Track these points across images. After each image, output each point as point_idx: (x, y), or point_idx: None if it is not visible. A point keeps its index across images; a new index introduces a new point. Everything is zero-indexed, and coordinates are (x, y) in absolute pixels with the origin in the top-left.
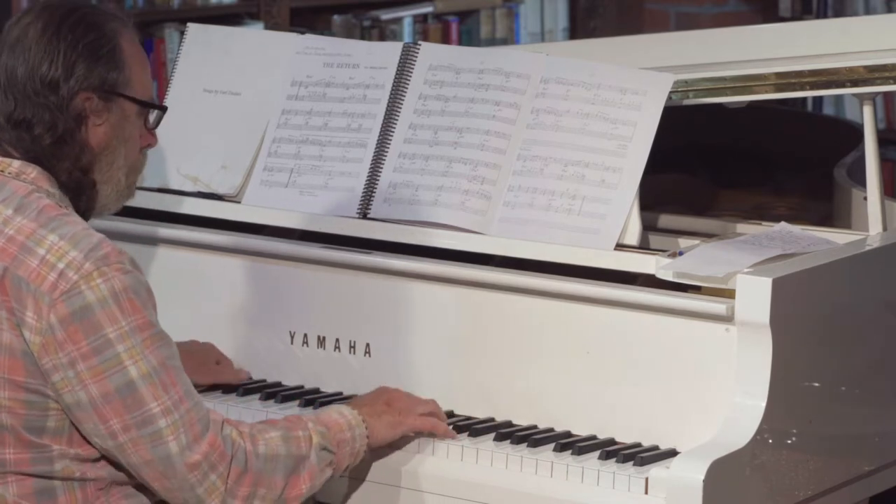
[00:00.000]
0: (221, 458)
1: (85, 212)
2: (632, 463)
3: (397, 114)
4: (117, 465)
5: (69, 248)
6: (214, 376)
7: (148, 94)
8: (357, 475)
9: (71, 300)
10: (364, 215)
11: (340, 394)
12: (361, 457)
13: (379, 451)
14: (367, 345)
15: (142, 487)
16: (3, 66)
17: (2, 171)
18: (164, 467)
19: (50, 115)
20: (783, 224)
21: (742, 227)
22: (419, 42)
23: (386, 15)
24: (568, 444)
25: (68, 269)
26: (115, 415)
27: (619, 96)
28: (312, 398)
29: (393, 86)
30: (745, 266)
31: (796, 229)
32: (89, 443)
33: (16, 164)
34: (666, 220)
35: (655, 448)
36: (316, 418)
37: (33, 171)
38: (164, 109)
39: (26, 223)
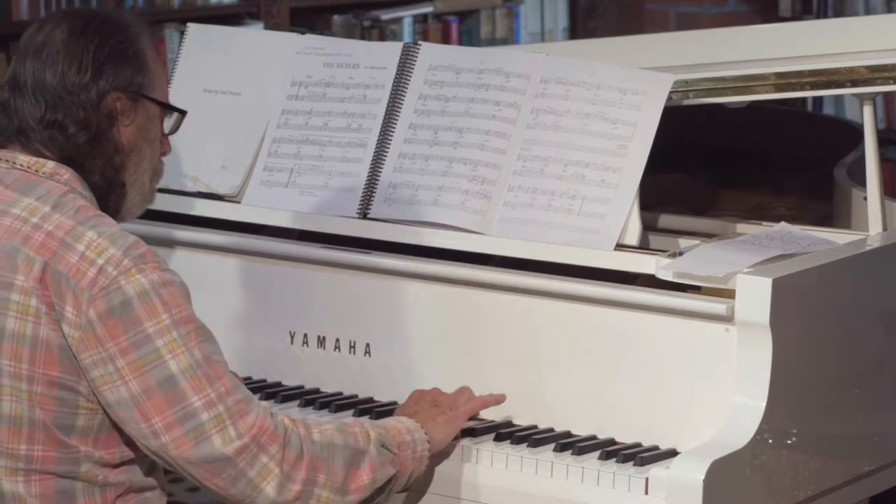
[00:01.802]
0: (272, 440)
1: (113, 214)
2: (632, 463)
3: (397, 114)
4: (138, 470)
5: (108, 245)
6: None
7: (167, 99)
8: None
9: (110, 296)
10: (364, 215)
11: (340, 394)
12: (426, 463)
13: None
14: (367, 345)
15: (157, 493)
16: (29, 71)
17: (36, 171)
18: (212, 463)
19: (84, 114)
20: (783, 224)
21: (742, 227)
22: (419, 42)
23: (386, 15)
24: (568, 444)
25: (107, 264)
26: (156, 411)
27: (619, 96)
28: (312, 398)
29: (393, 86)
30: (745, 266)
31: (796, 229)
32: (123, 444)
33: (50, 165)
34: (666, 220)
35: (655, 448)
36: (372, 421)
37: (66, 173)
38: (183, 113)
39: (65, 220)
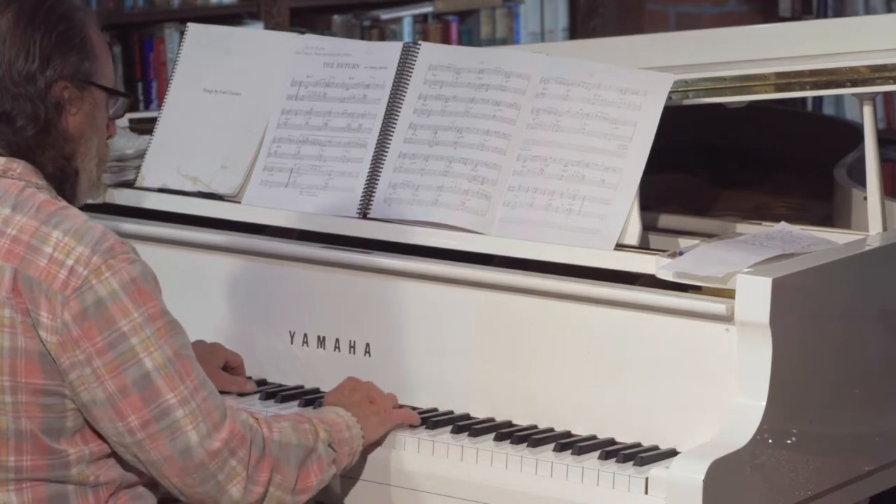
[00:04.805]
0: (241, 443)
1: (69, 202)
2: (632, 463)
3: (397, 114)
4: (127, 465)
5: (75, 244)
6: (218, 383)
7: (112, 83)
8: (354, 474)
9: (83, 296)
10: (364, 215)
11: None
12: (356, 458)
13: (377, 448)
14: (367, 345)
15: (149, 486)
16: None
17: None
18: (184, 460)
19: (31, 106)
20: (783, 224)
21: (742, 227)
22: (419, 42)
23: (386, 15)
24: (568, 444)
25: (77, 264)
26: (132, 410)
27: (618, 96)
28: (312, 398)
29: (393, 86)
30: (745, 266)
31: (796, 229)
32: (103, 437)
33: (0, 161)
34: (666, 220)
35: (655, 448)
36: (318, 417)
37: (18, 166)
38: (129, 97)
39: (28, 221)
